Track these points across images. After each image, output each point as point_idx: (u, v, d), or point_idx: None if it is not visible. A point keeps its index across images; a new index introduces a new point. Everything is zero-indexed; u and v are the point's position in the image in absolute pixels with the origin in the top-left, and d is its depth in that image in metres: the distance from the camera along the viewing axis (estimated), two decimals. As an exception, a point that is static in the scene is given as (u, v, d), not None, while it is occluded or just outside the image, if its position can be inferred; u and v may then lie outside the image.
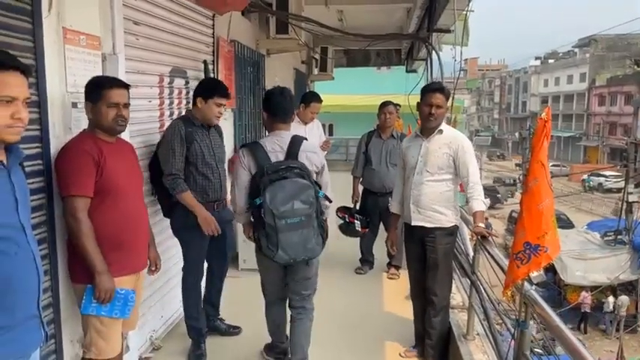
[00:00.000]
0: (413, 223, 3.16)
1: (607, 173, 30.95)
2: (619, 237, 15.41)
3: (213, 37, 4.39)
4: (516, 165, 37.51)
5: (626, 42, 40.56)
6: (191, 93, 3.77)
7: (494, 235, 3.12)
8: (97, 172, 2.17)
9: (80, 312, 2.24)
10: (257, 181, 2.71)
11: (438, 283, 3.14)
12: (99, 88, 2.22)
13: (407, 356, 3.33)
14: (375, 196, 4.93)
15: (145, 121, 3.19)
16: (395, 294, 4.42)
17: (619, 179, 24.25)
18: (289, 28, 5.64)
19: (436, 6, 5.47)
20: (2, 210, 1.47)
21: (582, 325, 15.12)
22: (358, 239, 5.09)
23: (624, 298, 14.67)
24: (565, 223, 20.07)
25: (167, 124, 3.43)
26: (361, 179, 5.10)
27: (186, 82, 3.85)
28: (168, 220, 3.28)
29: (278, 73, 6.92)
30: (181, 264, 3.28)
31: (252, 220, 2.82)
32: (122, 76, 2.57)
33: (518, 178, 30.39)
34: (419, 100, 3.21)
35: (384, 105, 4.98)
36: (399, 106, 5.35)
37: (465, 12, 5.63)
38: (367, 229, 4.94)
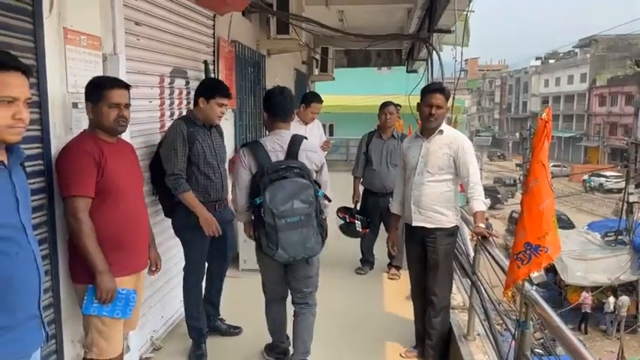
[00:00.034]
0: (414, 224, 3.16)
1: (607, 174, 30.94)
2: (619, 237, 15.40)
3: (214, 38, 4.40)
4: (517, 165, 37.50)
5: (626, 42, 40.54)
6: (192, 93, 3.77)
7: (494, 235, 3.12)
8: (98, 173, 2.17)
9: (81, 312, 2.24)
10: (257, 181, 2.74)
11: (438, 284, 3.14)
12: (100, 89, 2.22)
13: (407, 357, 3.32)
14: (376, 197, 4.93)
15: (145, 122, 3.19)
16: (395, 294, 4.42)
17: (619, 180, 24.25)
18: (290, 28, 5.64)
19: (437, 6, 5.47)
20: (3, 210, 1.47)
21: (583, 326, 15.11)
22: (359, 240, 5.09)
23: (625, 299, 14.66)
24: (565, 224, 20.05)
25: (168, 124, 3.43)
26: (362, 179, 5.10)
27: (187, 83, 3.85)
28: (169, 221, 3.29)
29: (279, 74, 6.92)
30: (182, 264, 3.28)
31: (253, 219, 2.84)
32: (123, 77, 2.57)
33: (519, 179, 30.39)
34: (419, 101, 3.22)
35: (385, 105, 4.98)
36: (400, 106, 5.35)
37: (465, 12, 5.63)
38: (368, 230, 4.94)
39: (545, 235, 2.10)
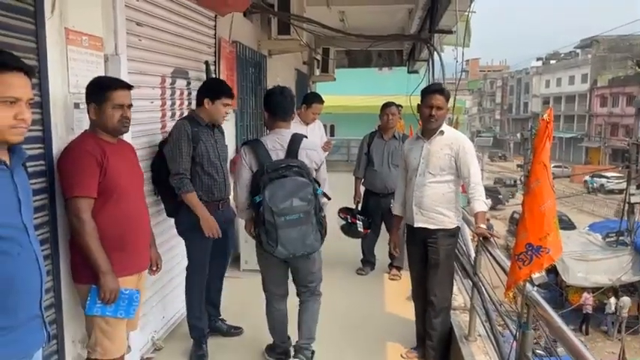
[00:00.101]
0: (415, 225, 3.16)
1: (609, 174, 30.91)
2: (621, 238, 15.39)
3: (215, 38, 4.40)
4: (518, 166, 37.53)
5: (627, 43, 40.51)
6: (193, 94, 3.78)
7: (495, 236, 3.12)
8: (101, 173, 2.18)
9: (85, 313, 2.24)
10: (257, 179, 2.78)
11: (439, 284, 3.14)
12: (104, 90, 2.23)
13: (408, 357, 3.32)
14: (377, 197, 4.93)
15: (146, 122, 3.20)
16: (396, 295, 4.42)
17: (621, 180, 24.22)
18: (291, 28, 5.65)
19: (438, 7, 5.47)
20: (5, 210, 1.47)
21: (584, 327, 15.09)
22: (359, 240, 5.09)
23: (626, 300, 14.65)
24: (567, 225, 20.03)
25: (169, 124, 3.44)
26: (363, 180, 5.10)
27: (188, 83, 3.85)
28: (170, 221, 3.29)
29: (280, 74, 6.93)
30: (183, 264, 3.28)
31: (253, 216, 2.88)
32: (124, 77, 2.58)
33: (520, 179, 30.38)
34: (420, 102, 3.22)
35: (387, 106, 4.98)
36: (401, 106, 5.34)
37: (466, 13, 5.63)
38: (369, 230, 4.94)
39: (547, 236, 2.10)
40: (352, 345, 3.50)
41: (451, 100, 3.64)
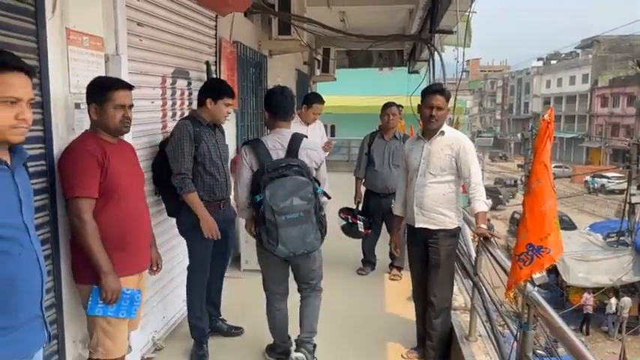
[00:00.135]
0: (416, 225, 3.16)
1: (609, 174, 30.90)
2: (621, 238, 15.38)
3: (216, 38, 4.40)
4: (519, 166, 37.50)
5: (628, 43, 40.48)
6: (194, 94, 3.79)
7: (496, 236, 3.12)
8: (102, 173, 2.18)
9: (87, 313, 2.24)
10: (258, 179, 2.80)
11: (439, 285, 3.14)
12: (105, 90, 2.23)
13: (409, 357, 3.32)
14: (378, 197, 4.93)
15: (147, 122, 3.20)
16: (397, 295, 4.42)
17: (621, 181, 24.20)
18: (291, 29, 5.65)
19: (438, 7, 5.47)
20: (6, 210, 1.47)
21: (584, 327, 15.08)
22: (360, 240, 5.09)
23: (627, 300, 14.64)
24: (567, 225, 20.03)
25: (170, 124, 3.44)
26: (364, 180, 5.10)
27: (189, 83, 3.85)
28: (171, 221, 3.29)
29: (280, 74, 6.93)
30: (184, 264, 3.28)
31: (254, 215, 2.90)
32: (125, 77, 2.58)
33: (520, 179, 30.36)
34: (420, 102, 3.22)
35: (387, 106, 4.98)
36: (402, 107, 5.34)
37: (467, 13, 5.62)
38: (370, 230, 4.94)
39: (548, 236, 2.10)
40: (352, 345, 3.50)
41: (452, 100, 3.64)
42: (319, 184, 2.92)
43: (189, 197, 3.00)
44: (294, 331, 3.17)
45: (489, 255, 2.94)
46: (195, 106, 3.63)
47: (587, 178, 32.98)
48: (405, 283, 4.40)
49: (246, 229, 3.11)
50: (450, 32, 5.92)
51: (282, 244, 2.76)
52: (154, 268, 2.67)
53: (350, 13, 6.91)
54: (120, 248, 2.24)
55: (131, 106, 2.31)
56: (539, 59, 57.78)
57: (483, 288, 3.14)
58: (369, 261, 5.12)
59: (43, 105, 2.10)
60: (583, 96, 44.73)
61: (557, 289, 15.99)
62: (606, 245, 15.60)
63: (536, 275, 2.21)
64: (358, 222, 4.87)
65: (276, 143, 2.90)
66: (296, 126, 3.85)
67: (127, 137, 2.54)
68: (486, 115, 70.40)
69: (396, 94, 7.91)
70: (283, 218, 2.73)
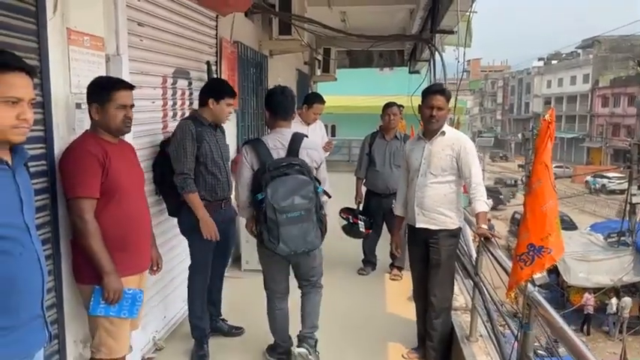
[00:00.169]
0: (417, 226, 3.16)
1: (610, 175, 30.88)
2: (622, 238, 15.38)
3: (217, 38, 4.40)
4: (519, 166, 37.48)
5: (629, 43, 40.45)
6: (194, 94, 3.79)
7: (496, 236, 3.12)
8: (103, 173, 2.18)
9: (88, 313, 2.24)
10: (259, 177, 2.82)
11: (439, 285, 3.14)
12: (107, 90, 2.23)
13: (409, 357, 3.32)
14: (379, 197, 4.92)
15: (148, 122, 3.20)
16: (398, 295, 4.42)
17: (622, 181, 24.20)
18: (292, 29, 5.65)
19: (439, 7, 5.47)
20: (7, 210, 1.47)
21: (585, 327, 15.07)
22: (361, 240, 5.09)
23: (627, 300, 14.62)
24: (568, 225, 20.03)
25: (170, 124, 3.44)
26: (364, 180, 5.10)
27: (190, 83, 3.86)
28: (172, 220, 3.30)
29: (281, 74, 6.93)
30: (184, 264, 3.29)
31: (254, 214, 2.92)
32: (126, 77, 2.58)
33: (521, 180, 30.34)
34: (420, 103, 3.21)
35: (388, 106, 4.98)
36: (403, 107, 5.35)
37: (468, 13, 5.62)
38: (371, 230, 4.94)
39: (549, 237, 2.10)
40: (353, 345, 3.50)
41: (452, 100, 3.63)
42: (319, 183, 2.94)
43: (190, 197, 3.00)
44: (294, 331, 3.18)
45: (490, 255, 2.94)
46: (195, 106, 3.63)
47: (588, 178, 32.97)
48: (405, 283, 4.40)
49: (246, 228, 3.13)
50: (451, 32, 5.91)
51: (284, 243, 2.78)
52: (154, 268, 2.68)
53: (351, 13, 6.91)
54: (121, 248, 2.24)
55: (132, 106, 2.31)
56: (539, 59, 57.74)
57: (484, 288, 3.14)
58: (369, 261, 5.12)
59: (44, 105, 2.10)
60: (584, 96, 44.70)
61: (558, 290, 15.98)
62: (607, 245, 15.59)
63: (537, 275, 2.21)
64: (359, 222, 4.87)
65: (276, 142, 2.92)
66: (296, 126, 3.86)
67: (128, 137, 2.54)
68: (487, 115, 70.37)
69: (397, 94, 7.91)
70: (284, 217, 2.75)
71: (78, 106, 2.32)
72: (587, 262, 14.74)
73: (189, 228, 3.11)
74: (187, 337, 3.34)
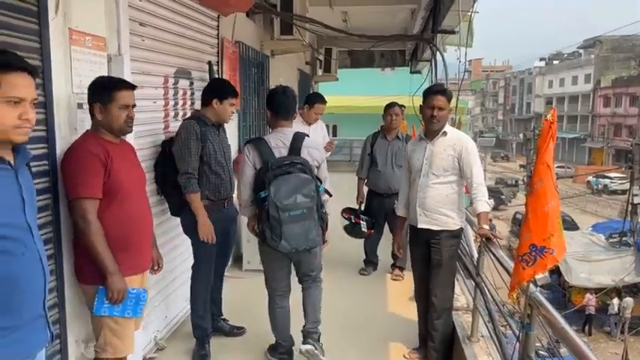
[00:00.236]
0: (419, 226, 3.16)
1: (612, 175, 30.83)
2: (624, 239, 15.36)
3: (218, 38, 4.40)
4: (521, 166, 37.42)
5: (630, 43, 40.42)
6: (196, 94, 3.79)
7: (497, 236, 3.12)
8: (105, 174, 2.18)
9: (92, 313, 2.24)
10: (262, 176, 2.84)
11: (440, 285, 3.14)
12: (110, 90, 2.23)
13: (411, 358, 3.32)
14: (381, 198, 4.92)
15: (149, 122, 3.20)
16: (399, 295, 4.42)
17: (624, 181, 24.15)
18: (293, 29, 5.65)
19: (441, 7, 5.46)
20: (10, 210, 1.47)
21: (587, 328, 15.04)
22: (362, 240, 5.09)
23: (629, 300, 14.59)
24: (570, 225, 20.00)
25: (172, 124, 3.45)
26: (366, 180, 5.09)
27: (191, 83, 3.86)
28: (174, 220, 3.30)
29: (282, 74, 6.92)
30: (186, 264, 3.29)
31: (256, 213, 2.94)
32: (127, 77, 2.58)
33: (522, 180, 30.29)
34: (422, 103, 3.21)
35: (390, 106, 4.98)
36: (404, 107, 5.35)
37: (469, 13, 5.61)
38: (373, 230, 4.93)
39: (551, 237, 2.09)
40: (354, 345, 3.50)
41: (454, 100, 3.63)
42: (321, 182, 2.97)
43: (192, 197, 3.01)
44: (295, 330, 3.18)
45: (492, 255, 2.94)
46: (197, 106, 3.64)
47: (590, 178, 32.93)
48: (407, 283, 4.39)
49: (248, 227, 3.15)
50: (452, 32, 5.91)
51: (286, 240, 2.81)
52: (155, 268, 2.68)
53: (352, 13, 6.90)
54: (123, 249, 2.24)
55: (134, 106, 2.31)
56: (541, 59, 57.68)
57: (486, 288, 3.14)
58: (371, 261, 5.12)
59: (46, 105, 2.11)
60: (585, 96, 44.64)
61: (560, 290, 15.95)
62: (609, 246, 15.57)
63: (539, 275, 2.20)
64: (361, 222, 4.87)
65: (278, 142, 2.95)
66: (298, 126, 3.86)
67: (129, 137, 2.54)
68: (488, 115, 70.32)
69: (398, 95, 7.91)
70: (287, 215, 2.78)
71: (80, 106, 2.33)
72: (589, 263, 14.72)
73: (193, 227, 3.11)
74: (189, 336, 3.34)
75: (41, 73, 2.04)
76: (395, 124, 4.95)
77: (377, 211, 4.95)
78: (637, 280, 14.63)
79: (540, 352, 3.18)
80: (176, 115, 3.61)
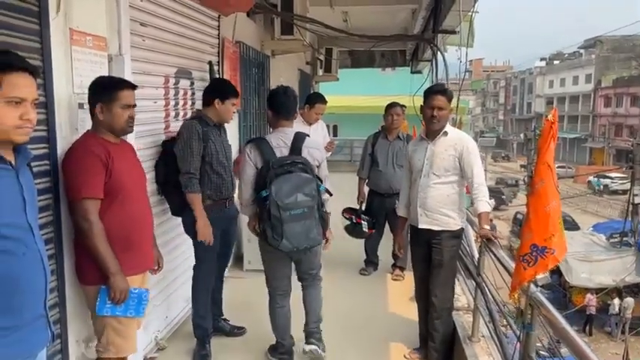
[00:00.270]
0: (420, 226, 3.16)
1: (613, 175, 30.82)
2: (625, 239, 15.35)
3: (219, 38, 4.40)
4: (521, 166, 37.40)
5: (631, 43, 40.38)
6: (197, 94, 3.79)
7: (498, 237, 3.11)
8: (106, 174, 2.18)
9: (95, 313, 2.24)
10: (263, 175, 2.86)
11: (441, 285, 3.14)
12: (112, 90, 2.23)
13: (411, 358, 3.32)
14: (382, 197, 4.92)
15: (150, 122, 3.20)
16: (399, 295, 4.42)
17: (625, 181, 24.13)
18: (294, 29, 5.65)
19: (441, 7, 5.46)
20: (11, 210, 1.47)
21: (587, 328, 15.03)
22: (363, 240, 5.09)
23: (630, 300, 14.58)
24: (570, 225, 19.97)
25: (173, 124, 3.45)
26: (367, 180, 5.09)
27: (192, 83, 3.86)
28: (174, 220, 3.30)
29: (283, 74, 6.92)
30: (186, 264, 3.29)
31: (257, 212, 2.95)
32: (128, 77, 2.58)
33: (523, 180, 30.27)
34: (422, 103, 3.21)
35: (391, 106, 4.97)
36: (405, 107, 5.34)
37: (470, 13, 5.61)
38: (373, 230, 4.93)
39: (552, 237, 2.09)
40: (355, 345, 3.50)
41: (454, 100, 3.63)
42: (321, 182, 2.98)
43: (193, 197, 3.01)
44: (295, 330, 3.18)
45: (492, 255, 2.94)
46: (197, 106, 3.64)
47: (591, 178, 32.91)
48: (407, 283, 4.39)
49: (249, 226, 3.15)
50: (453, 32, 5.90)
51: (287, 239, 2.82)
52: (155, 267, 2.68)
53: (352, 13, 6.90)
54: (125, 249, 2.24)
55: (134, 105, 2.31)
56: (542, 59, 57.64)
57: (486, 288, 3.13)
58: (371, 261, 5.12)
59: (46, 105, 2.11)
60: (586, 96, 44.63)
61: (560, 290, 15.94)
62: (609, 246, 15.56)
63: (540, 276, 2.20)
64: (362, 222, 4.87)
65: (279, 141, 2.96)
66: (298, 126, 3.85)
67: (130, 137, 2.54)
68: (489, 115, 70.30)
69: (399, 95, 7.89)
70: (288, 214, 2.79)
71: (80, 106, 2.33)
72: (590, 263, 14.70)
73: (194, 227, 3.11)
74: (189, 336, 3.34)
75: (42, 74, 2.04)
76: (396, 124, 4.94)
77: (378, 211, 4.95)
78: (638, 281, 14.61)
79: (541, 352, 3.17)
80: (177, 115, 3.61)
